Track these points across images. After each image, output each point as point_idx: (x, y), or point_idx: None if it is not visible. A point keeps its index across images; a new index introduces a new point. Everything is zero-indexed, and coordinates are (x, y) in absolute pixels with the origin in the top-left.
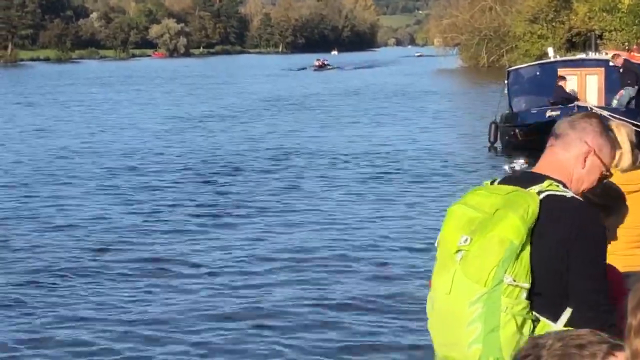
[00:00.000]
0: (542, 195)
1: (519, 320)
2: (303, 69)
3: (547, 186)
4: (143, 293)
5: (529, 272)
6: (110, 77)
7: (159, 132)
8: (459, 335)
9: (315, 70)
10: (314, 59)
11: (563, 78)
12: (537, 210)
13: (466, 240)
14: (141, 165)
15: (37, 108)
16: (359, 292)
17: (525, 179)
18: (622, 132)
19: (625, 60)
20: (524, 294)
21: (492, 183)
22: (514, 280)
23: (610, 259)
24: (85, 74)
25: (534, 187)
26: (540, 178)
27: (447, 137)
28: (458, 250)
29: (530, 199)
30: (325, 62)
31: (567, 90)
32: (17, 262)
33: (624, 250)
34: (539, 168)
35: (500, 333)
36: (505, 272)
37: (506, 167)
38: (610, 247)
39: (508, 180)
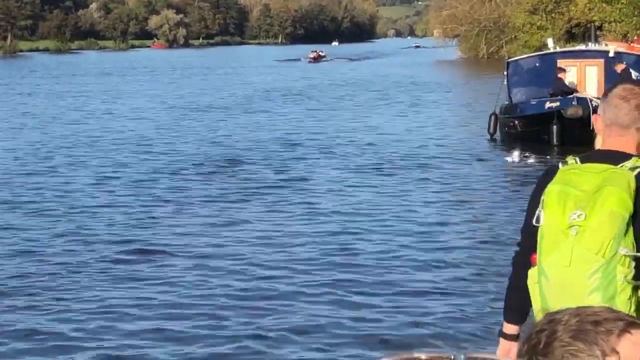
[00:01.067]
0: (636, 172)
1: (632, 287)
2: (297, 60)
3: (636, 162)
4: (148, 286)
5: (634, 243)
6: (110, 67)
7: (161, 122)
8: (580, 304)
9: (310, 62)
10: (316, 49)
11: (562, 70)
12: (634, 185)
13: (579, 215)
14: (142, 158)
15: (36, 98)
16: (363, 277)
17: (610, 157)
18: None
19: (623, 71)
20: (634, 263)
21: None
22: (629, 250)
23: None
24: (85, 65)
25: (625, 164)
26: (623, 155)
27: (446, 128)
28: (571, 226)
29: (628, 175)
30: (322, 54)
31: (567, 82)
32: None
33: None
34: (614, 146)
35: (617, 300)
36: (619, 244)
37: (507, 159)
38: None
39: (589, 158)
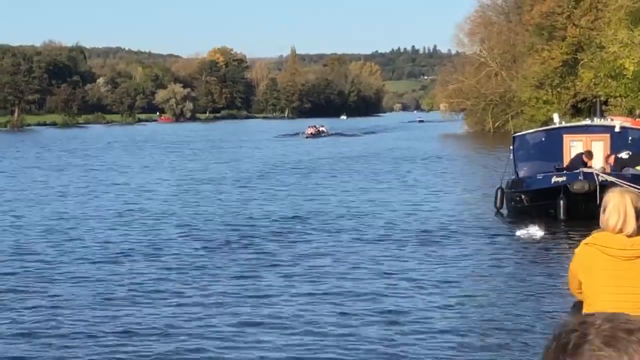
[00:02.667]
0: None
1: None
2: (295, 134)
3: None
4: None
5: None
6: (117, 141)
7: (169, 195)
8: None
9: (307, 137)
10: (320, 123)
11: (590, 155)
12: None
13: None
14: (149, 228)
15: (46, 172)
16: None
17: None
18: (627, 198)
19: (615, 162)
20: None
21: None
22: None
23: None
24: (92, 139)
25: None
26: None
27: (453, 203)
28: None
29: None
30: (322, 129)
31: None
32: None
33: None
34: None
35: None
36: None
37: (516, 234)
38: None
39: None
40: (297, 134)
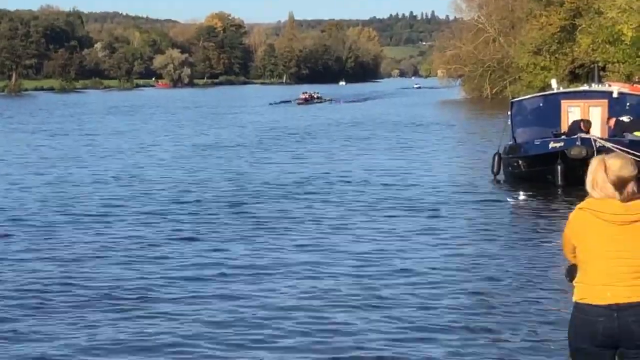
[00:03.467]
0: None
1: None
2: (286, 101)
3: None
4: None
5: None
6: (115, 107)
7: (168, 159)
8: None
9: (300, 104)
10: (318, 89)
11: (589, 123)
12: None
13: None
14: (153, 192)
15: (45, 137)
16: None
17: None
18: (604, 164)
19: (615, 125)
20: None
21: None
22: None
23: (614, 291)
24: (90, 104)
25: None
26: None
27: (450, 168)
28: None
29: None
30: (315, 95)
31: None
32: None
33: (627, 281)
34: None
35: None
36: None
37: (511, 199)
38: (613, 279)
39: None
40: (289, 101)
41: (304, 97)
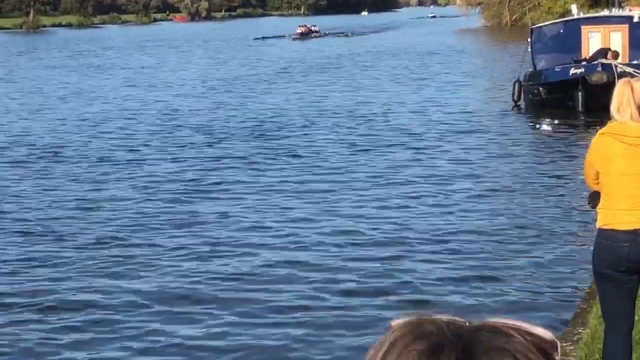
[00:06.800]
0: None
1: None
2: (280, 36)
3: None
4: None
5: None
6: (133, 42)
7: (184, 95)
8: None
9: (295, 39)
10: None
11: (616, 53)
12: None
13: None
14: (167, 127)
15: (65, 73)
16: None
17: None
18: (629, 86)
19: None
20: None
21: None
22: None
23: (639, 215)
24: (109, 39)
25: None
26: None
27: (471, 97)
28: None
29: None
30: (313, 28)
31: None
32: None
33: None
34: None
35: None
36: None
37: (536, 126)
38: (637, 203)
39: None
40: (283, 36)
41: (300, 31)
